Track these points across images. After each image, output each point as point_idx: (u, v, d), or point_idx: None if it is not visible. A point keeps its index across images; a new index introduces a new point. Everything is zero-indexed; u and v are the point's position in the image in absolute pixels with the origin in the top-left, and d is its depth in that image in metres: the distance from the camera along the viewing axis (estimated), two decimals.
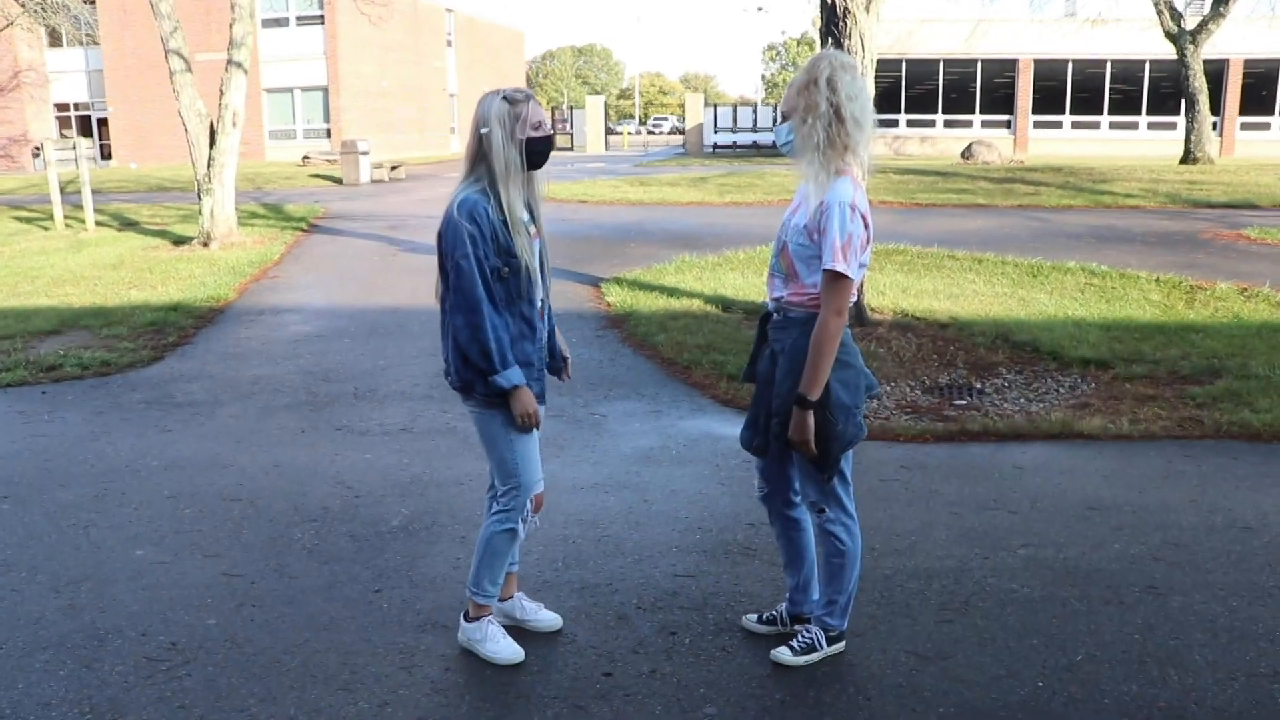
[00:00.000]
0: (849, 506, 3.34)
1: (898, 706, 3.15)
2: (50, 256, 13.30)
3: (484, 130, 3.24)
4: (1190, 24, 27.59)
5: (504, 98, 3.26)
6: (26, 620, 3.74)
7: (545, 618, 3.66)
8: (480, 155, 3.26)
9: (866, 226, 3.14)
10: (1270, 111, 37.82)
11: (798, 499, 3.44)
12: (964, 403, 6.51)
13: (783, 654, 3.38)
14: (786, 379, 3.22)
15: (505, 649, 3.45)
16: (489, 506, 3.49)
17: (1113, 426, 5.86)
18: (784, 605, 3.59)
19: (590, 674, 3.35)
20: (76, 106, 41.20)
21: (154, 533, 4.56)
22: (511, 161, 3.23)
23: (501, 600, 3.64)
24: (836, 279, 3.08)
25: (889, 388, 6.80)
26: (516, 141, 3.23)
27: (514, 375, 3.26)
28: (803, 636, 3.40)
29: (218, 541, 4.45)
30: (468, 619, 3.53)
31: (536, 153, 3.29)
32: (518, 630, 3.59)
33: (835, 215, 3.07)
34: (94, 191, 17.43)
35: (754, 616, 3.63)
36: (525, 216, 3.32)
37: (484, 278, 3.22)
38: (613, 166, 31.36)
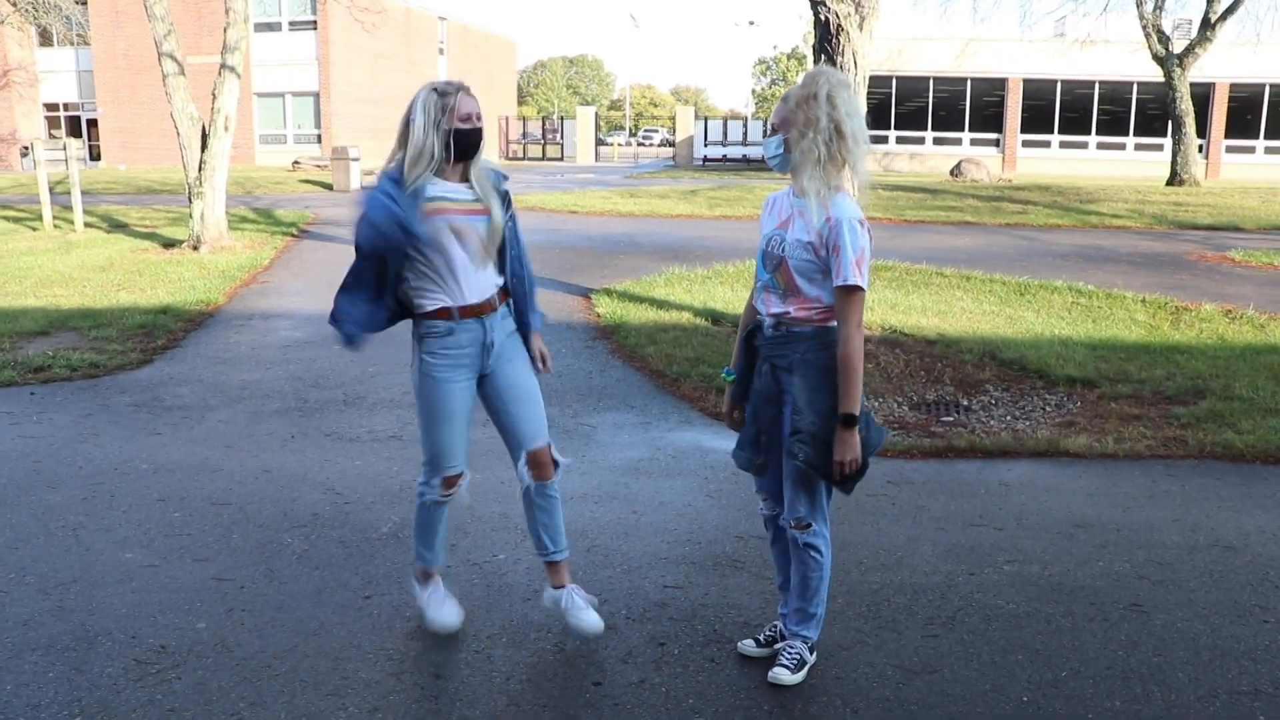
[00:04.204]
0: (828, 518, 3.38)
1: (884, 719, 3.18)
2: (38, 257, 13.25)
3: (411, 119, 3.40)
4: (1178, 47, 27.87)
5: (433, 89, 3.42)
6: (15, 622, 3.74)
7: (587, 621, 3.58)
8: (402, 141, 3.42)
9: (870, 240, 3.19)
10: (1255, 135, 38.22)
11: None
12: (951, 419, 6.56)
13: (781, 675, 3.35)
14: (816, 398, 3.20)
15: (435, 615, 3.66)
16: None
17: (1098, 445, 5.91)
18: (779, 624, 3.58)
19: (580, 683, 3.37)
20: (66, 107, 41.09)
21: (143, 536, 4.56)
22: (427, 149, 3.35)
23: (555, 588, 3.66)
24: (854, 293, 3.12)
25: (876, 403, 6.84)
26: (441, 132, 3.36)
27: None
28: (789, 653, 3.40)
29: (207, 546, 4.46)
30: (419, 582, 3.78)
31: (465, 145, 3.41)
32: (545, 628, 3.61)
33: (846, 231, 3.11)
34: (83, 192, 17.37)
35: (751, 643, 3.56)
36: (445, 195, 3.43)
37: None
38: (603, 178, 31.44)
